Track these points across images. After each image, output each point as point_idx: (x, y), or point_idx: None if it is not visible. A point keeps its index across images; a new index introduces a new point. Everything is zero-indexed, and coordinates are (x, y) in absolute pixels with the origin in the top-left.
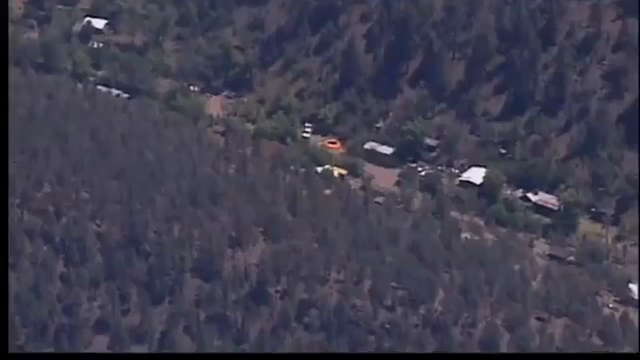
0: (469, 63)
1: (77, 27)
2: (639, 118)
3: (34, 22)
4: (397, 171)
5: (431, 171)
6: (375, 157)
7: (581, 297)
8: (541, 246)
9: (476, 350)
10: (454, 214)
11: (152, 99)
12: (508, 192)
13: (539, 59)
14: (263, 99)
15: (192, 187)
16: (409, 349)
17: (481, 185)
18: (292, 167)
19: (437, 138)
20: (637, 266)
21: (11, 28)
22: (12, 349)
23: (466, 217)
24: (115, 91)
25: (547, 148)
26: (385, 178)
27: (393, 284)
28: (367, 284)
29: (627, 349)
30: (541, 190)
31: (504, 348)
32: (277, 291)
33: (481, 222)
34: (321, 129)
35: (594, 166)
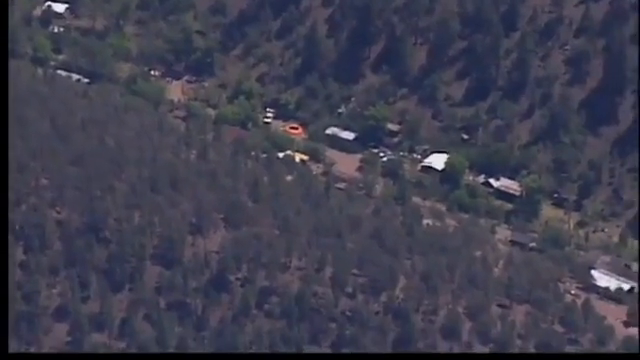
0: (431, 48)
1: (37, 11)
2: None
3: None
4: (359, 156)
5: (393, 156)
6: (337, 142)
7: (543, 284)
8: (503, 232)
9: (436, 337)
10: (416, 200)
11: (113, 84)
12: (470, 178)
13: (501, 44)
14: (224, 84)
15: (153, 173)
16: (370, 336)
17: (443, 171)
18: (253, 153)
19: (399, 123)
20: (599, 252)
21: None
22: None
23: (428, 203)
24: (75, 76)
25: (509, 133)
26: (347, 163)
27: (354, 271)
28: (328, 271)
29: (588, 336)
30: (503, 176)
31: (465, 335)
32: (238, 278)
33: (443, 208)
34: (283, 114)
35: (556, 152)
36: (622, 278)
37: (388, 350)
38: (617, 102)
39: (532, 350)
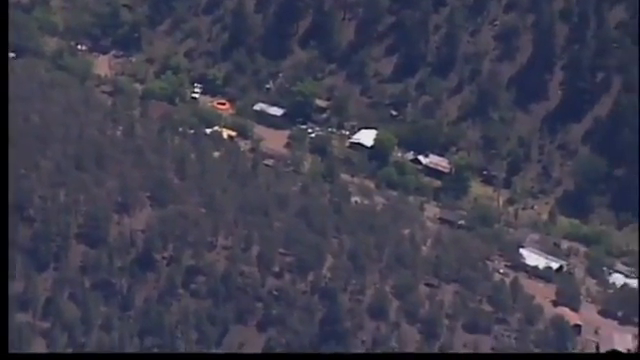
0: (360, 24)
1: None
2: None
3: None
4: (287, 133)
5: (321, 133)
6: (265, 118)
7: (471, 262)
8: (432, 210)
9: (364, 316)
10: (344, 177)
11: (38, 58)
12: (399, 154)
13: (430, 20)
14: (152, 59)
15: (78, 150)
16: (297, 316)
17: (372, 147)
18: (181, 129)
19: (327, 99)
20: (528, 230)
21: None
22: None
23: (356, 180)
24: None
25: (438, 110)
26: (275, 140)
27: (281, 250)
28: (255, 250)
29: (517, 315)
30: (432, 152)
31: (393, 315)
32: (164, 257)
33: (371, 185)
34: (210, 90)
35: (486, 128)
36: (551, 257)
37: (314, 330)
38: (546, 78)
39: (459, 329)
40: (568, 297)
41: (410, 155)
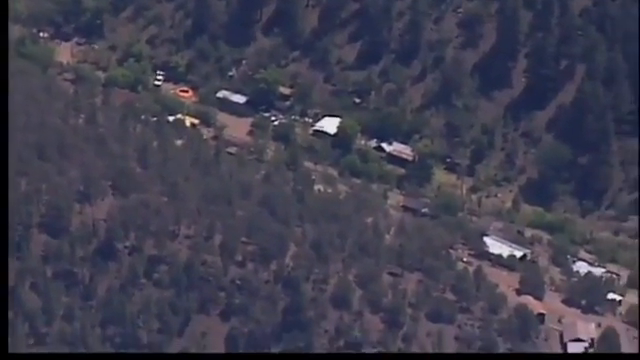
0: (323, 10)
1: None
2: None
3: None
4: (250, 120)
5: (284, 120)
6: (228, 106)
7: (435, 251)
8: (395, 198)
9: (327, 306)
10: (307, 165)
11: None
12: (362, 142)
13: (394, 7)
14: (114, 46)
15: (40, 139)
16: (259, 305)
17: (335, 135)
18: (143, 117)
19: (291, 87)
20: (491, 218)
21: None
22: None
23: (320, 168)
24: None
25: (402, 97)
26: (238, 127)
27: (244, 239)
28: (217, 239)
29: (480, 304)
30: (395, 140)
31: (356, 304)
32: (126, 247)
33: (335, 173)
34: (173, 77)
35: (449, 116)
36: (514, 245)
37: (277, 319)
38: (510, 66)
39: (423, 318)
40: (532, 286)
41: (373, 143)
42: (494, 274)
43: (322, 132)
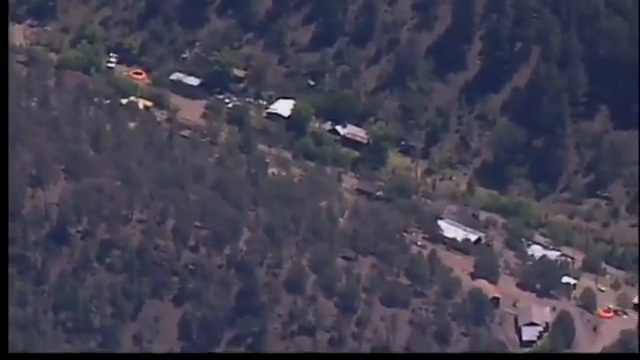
0: None
1: None
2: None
3: None
4: (204, 103)
5: (238, 103)
6: (181, 88)
7: (389, 235)
8: (349, 181)
9: (280, 290)
10: (262, 147)
11: None
12: (316, 125)
13: None
14: (67, 28)
15: None
16: (213, 290)
17: (289, 117)
18: (96, 99)
19: (245, 69)
20: (446, 201)
21: None
22: None
23: (274, 151)
24: None
25: (356, 80)
26: (191, 110)
27: (197, 223)
28: (170, 224)
29: (435, 288)
30: (350, 123)
31: (309, 289)
32: (78, 231)
33: (289, 156)
34: (126, 59)
35: (404, 98)
36: (469, 228)
37: (230, 304)
38: (465, 48)
39: (377, 303)
40: (486, 269)
41: (328, 125)
42: (448, 258)
43: (276, 115)
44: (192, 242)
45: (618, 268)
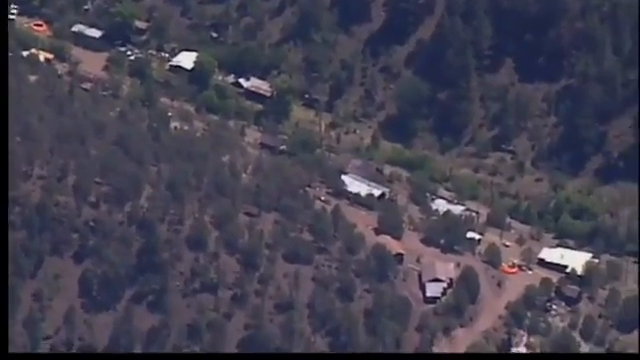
0: None
1: None
2: None
3: None
4: (105, 55)
5: (141, 55)
6: (83, 40)
7: (292, 190)
8: (253, 135)
9: (182, 247)
10: (164, 101)
11: None
12: (219, 78)
13: None
14: None
15: None
16: (113, 247)
17: (192, 70)
18: None
19: (147, 21)
20: (350, 155)
21: None
22: None
23: (176, 104)
24: None
25: (260, 32)
26: (93, 62)
27: (98, 179)
28: (71, 180)
29: (338, 245)
30: (253, 76)
31: (212, 245)
32: None
33: (192, 109)
34: (27, 10)
35: (307, 51)
36: (373, 183)
37: (131, 261)
38: (369, 0)
39: (280, 259)
40: (390, 225)
41: (231, 78)
42: (352, 213)
43: (179, 67)
44: (93, 198)
45: (523, 223)
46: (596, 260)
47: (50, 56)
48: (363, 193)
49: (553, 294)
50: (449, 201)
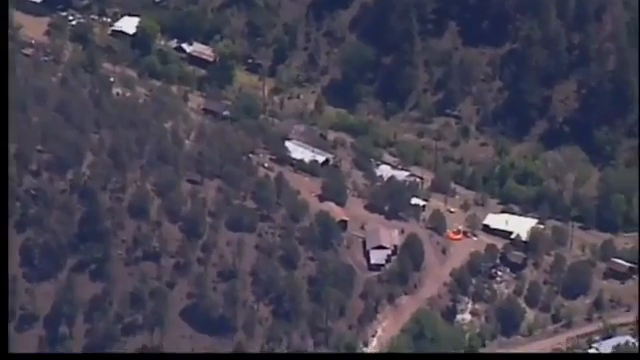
0: None
1: None
2: None
3: None
4: (47, 20)
5: (82, 20)
6: (24, 5)
7: (235, 157)
8: (196, 100)
9: (124, 215)
10: (106, 66)
11: None
12: (162, 43)
13: None
14: None
15: None
16: (55, 216)
17: (134, 35)
18: None
19: None
20: (294, 121)
21: None
22: None
23: (118, 69)
24: None
25: None
26: (34, 27)
27: (39, 147)
28: (12, 148)
29: (282, 212)
30: (196, 41)
31: (154, 214)
32: None
33: (134, 75)
34: None
35: (250, 15)
36: (317, 149)
37: (73, 229)
38: None
39: (223, 227)
40: (334, 191)
41: (173, 43)
42: (296, 180)
43: (121, 32)
44: (34, 166)
45: (468, 188)
46: (541, 226)
47: None
48: (307, 159)
49: (498, 260)
50: (393, 167)
